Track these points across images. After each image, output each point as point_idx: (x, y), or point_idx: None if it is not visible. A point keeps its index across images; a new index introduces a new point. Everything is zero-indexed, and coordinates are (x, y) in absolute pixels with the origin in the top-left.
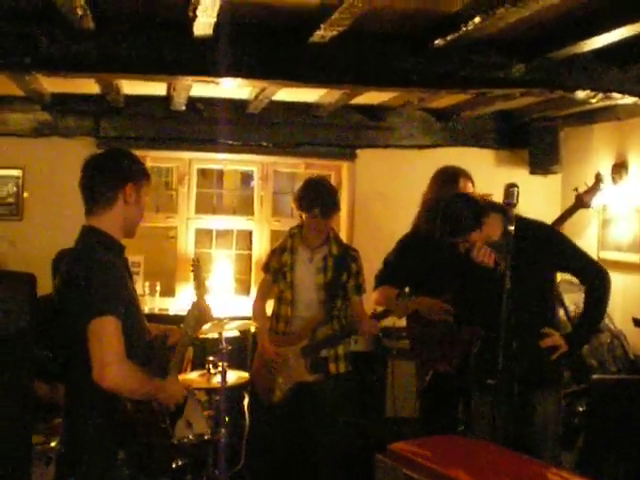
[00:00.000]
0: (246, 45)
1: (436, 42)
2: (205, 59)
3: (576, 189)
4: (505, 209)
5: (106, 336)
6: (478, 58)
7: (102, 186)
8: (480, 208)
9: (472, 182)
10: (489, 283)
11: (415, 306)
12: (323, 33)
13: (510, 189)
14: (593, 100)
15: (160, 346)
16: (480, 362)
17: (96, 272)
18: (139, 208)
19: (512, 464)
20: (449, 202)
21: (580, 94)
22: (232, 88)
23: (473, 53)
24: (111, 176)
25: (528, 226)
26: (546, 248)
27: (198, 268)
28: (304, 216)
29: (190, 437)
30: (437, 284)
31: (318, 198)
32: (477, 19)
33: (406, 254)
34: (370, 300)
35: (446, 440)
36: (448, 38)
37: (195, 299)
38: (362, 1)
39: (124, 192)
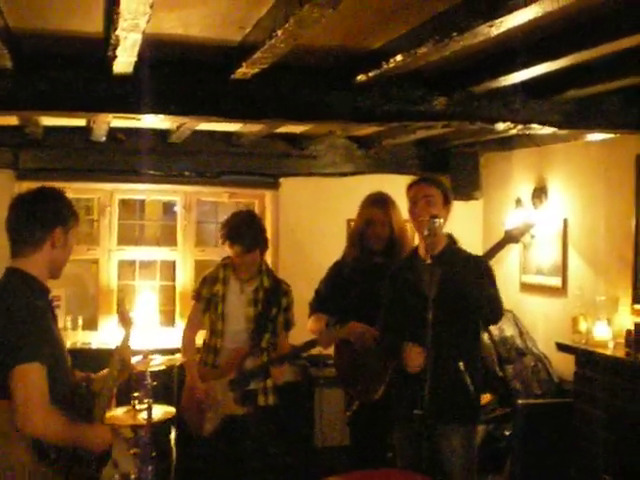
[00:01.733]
0: (167, 82)
1: (358, 78)
2: (126, 96)
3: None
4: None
5: (31, 383)
6: (400, 92)
7: (30, 229)
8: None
9: (384, 209)
10: (415, 311)
11: (342, 335)
12: (245, 70)
13: (432, 219)
14: (513, 131)
15: (84, 391)
16: (403, 392)
17: (21, 317)
18: (67, 250)
19: None
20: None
21: (500, 126)
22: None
23: (395, 87)
24: (40, 219)
25: (464, 258)
26: (477, 274)
27: (124, 308)
28: (228, 250)
29: (116, 477)
30: (365, 312)
31: (240, 235)
32: (399, 57)
33: (335, 282)
34: (305, 328)
35: (378, 474)
36: (370, 74)
37: (120, 343)
38: (284, 42)
39: (52, 236)
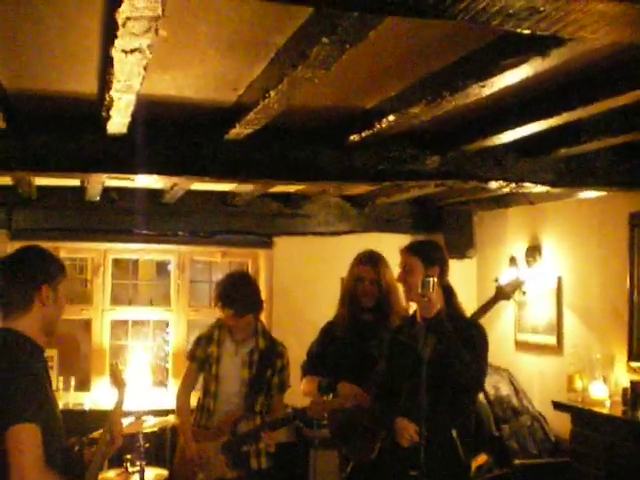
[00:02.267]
0: (161, 142)
1: (351, 137)
2: (119, 156)
3: (496, 279)
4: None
5: (26, 445)
6: (393, 151)
7: (16, 292)
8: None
9: (373, 267)
10: (410, 374)
11: (333, 406)
12: (239, 131)
13: (425, 279)
14: (506, 189)
15: (76, 455)
16: (397, 453)
17: (17, 377)
18: (58, 306)
19: None
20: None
21: (493, 184)
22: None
23: (388, 146)
24: (25, 281)
25: (456, 321)
26: (468, 343)
27: (117, 372)
28: (222, 313)
29: None
30: (356, 373)
31: (234, 299)
32: (391, 117)
33: (326, 342)
34: (298, 390)
35: None
36: (363, 134)
37: (114, 406)
38: (278, 103)
39: (40, 295)
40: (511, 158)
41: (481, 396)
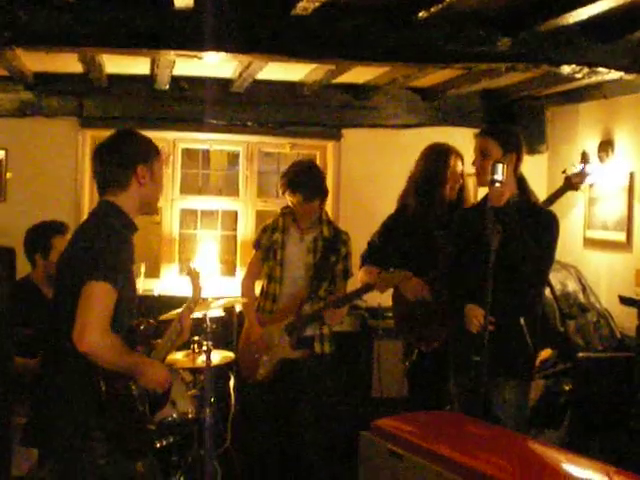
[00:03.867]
0: (228, 16)
1: (420, 14)
2: (186, 32)
3: (564, 171)
4: None
5: (96, 300)
6: (463, 32)
7: (113, 172)
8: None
9: (462, 160)
10: (478, 262)
11: (398, 280)
12: (305, 5)
13: (495, 164)
14: (579, 75)
15: (142, 332)
16: (461, 340)
17: (102, 237)
18: (155, 185)
19: (496, 438)
20: None
21: (566, 69)
22: (216, 66)
23: (458, 27)
24: (121, 162)
25: (530, 210)
26: (536, 231)
27: (194, 275)
28: (289, 199)
29: (174, 416)
30: (421, 264)
31: (301, 183)
32: None
33: (390, 235)
34: (356, 280)
35: (431, 416)
36: (432, 10)
37: (187, 303)
38: None
39: (136, 175)
40: (585, 41)
41: (547, 291)
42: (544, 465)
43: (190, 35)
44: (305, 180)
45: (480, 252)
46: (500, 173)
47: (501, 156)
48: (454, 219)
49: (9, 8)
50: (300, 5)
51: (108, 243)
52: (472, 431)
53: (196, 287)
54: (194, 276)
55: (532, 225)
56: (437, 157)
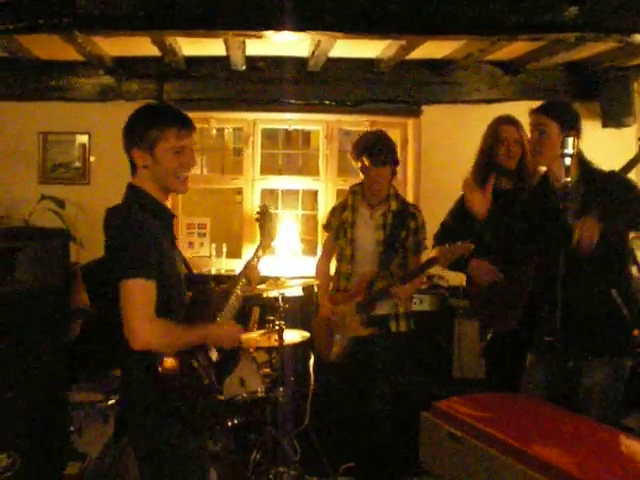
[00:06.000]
0: None
1: None
2: (241, 11)
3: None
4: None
5: (133, 298)
6: (526, 1)
7: (126, 154)
8: None
9: (518, 127)
10: (554, 238)
11: (459, 252)
12: None
13: (565, 138)
14: None
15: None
16: (537, 320)
17: (125, 233)
18: (162, 165)
19: (558, 422)
20: None
21: (637, 37)
22: (290, 45)
23: None
24: (124, 144)
25: (599, 176)
26: (615, 200)
27: (264, 216)
28: (359, 167)
29: (243, 395)
30: (493, 241)
31: (370, 146)
32: None
33: (461, 213)
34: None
35: (495, 398)
36: None
37: (255, 251)
38: None
39: (135, 158)
40: None
41: (634, 270)
42: (612, 456)
43: (243, 15)
44: (375, 143)
45: (552, 229)
46: (571, 146)
47: (559, 135)
48: (520, 203)
49: None
50: None
51: (135, 237)
52: (539, 416)
53: (267, 231)
54: (266, 218)
55: (605, 193)
56: (488, 129)
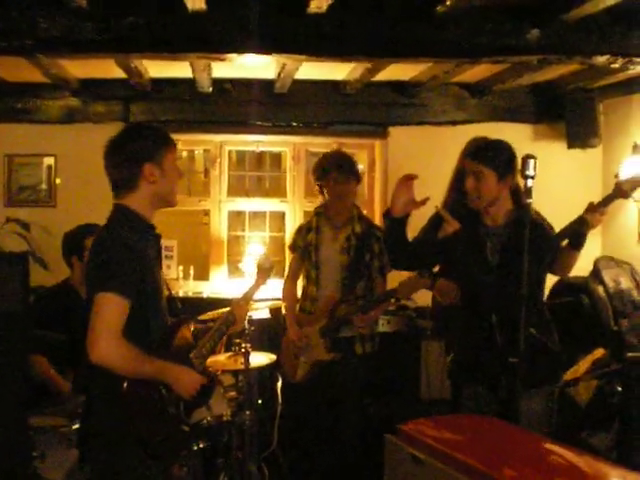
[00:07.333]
0: (250, 17)
1: (438, 8)
2: (201, 34)
3: (616, 175)
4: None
5: (104, 311)
6: (489, 25)
7: (122, 172)
8: None
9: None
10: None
11: (417, 287)
12: (318, 3)
13: (526, 160)
14: (615, 65)
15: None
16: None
17: (110, 249)
18: (168, 179)
19: (523, 443)
20: None
21: (599, 59)
22: (257, 68)
23: (484, 20)
24: (127, 161)
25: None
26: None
27: (264, 270)
28: (324, 186)
29: (208, 419)
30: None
31: (333, 164)
32: None
33: (429, 232)
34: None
35: (459, 419)
36: (448, 3)
37: (246, 290)
38: None
39: (144, 174)
40: (619, 30)
41: (600, 289)
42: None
43: (206, 37)
44: (341, 159)
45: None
46: (532, 168)
47: (496, 182)
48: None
49: (29, 15)
50: (313, 4)
51: (116, 255)
52: (501, 436)
53: (259, 279)
54: (264, 269)
55: (533, 240)
56: (462, 150)
